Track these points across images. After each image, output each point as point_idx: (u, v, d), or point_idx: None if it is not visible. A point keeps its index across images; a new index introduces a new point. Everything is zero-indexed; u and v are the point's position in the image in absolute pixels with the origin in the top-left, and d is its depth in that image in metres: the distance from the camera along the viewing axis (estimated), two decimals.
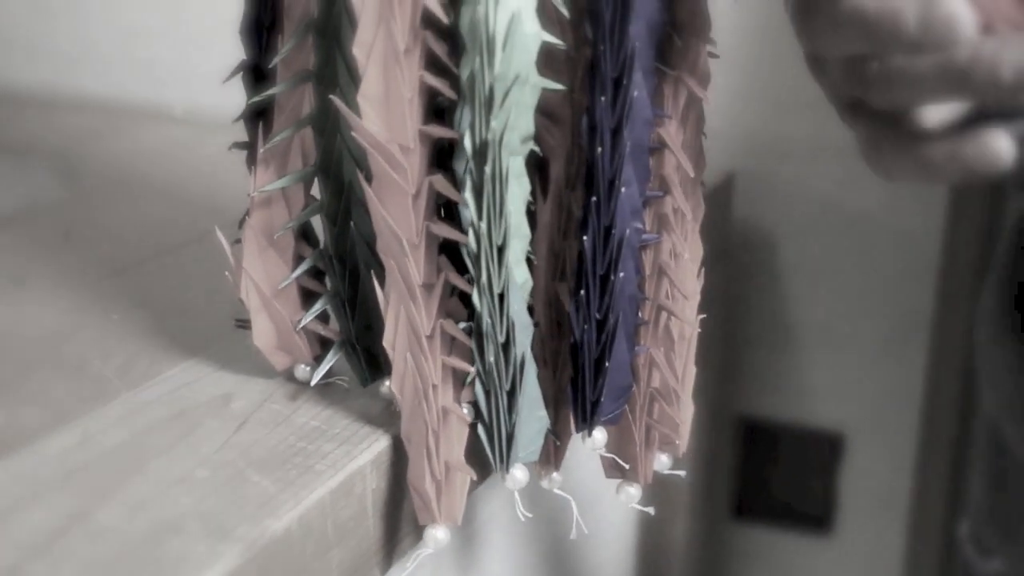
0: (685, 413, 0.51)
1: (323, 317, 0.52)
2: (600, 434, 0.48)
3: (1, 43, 1.14)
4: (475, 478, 0.47)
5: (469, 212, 0.44)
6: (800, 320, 0.99)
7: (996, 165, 0.41)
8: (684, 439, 0.51)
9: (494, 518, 0.64)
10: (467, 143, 0.44)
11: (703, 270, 0.50)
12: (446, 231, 0.46)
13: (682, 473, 0.52)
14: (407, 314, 0.46)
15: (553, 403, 0.49)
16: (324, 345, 0.52)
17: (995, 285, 0.69)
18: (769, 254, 0.98)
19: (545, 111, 0.47)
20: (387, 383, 0.50)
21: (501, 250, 0.45)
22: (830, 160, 0.95)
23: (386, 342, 0.47)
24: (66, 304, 0.60)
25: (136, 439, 0.47)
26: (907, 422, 0.98)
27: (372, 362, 0.51)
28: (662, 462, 0.52)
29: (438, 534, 0.47)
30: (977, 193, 0.92)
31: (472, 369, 0.46)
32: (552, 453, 0.50)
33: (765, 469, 1.03)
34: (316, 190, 0.51)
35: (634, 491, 0.51)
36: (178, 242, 0.70)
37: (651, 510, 0.52)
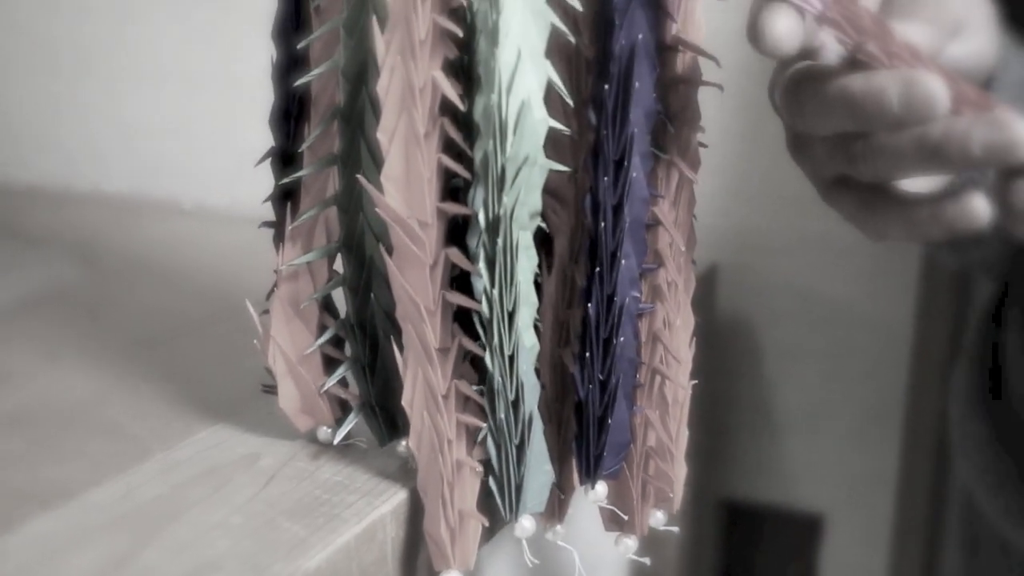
0: (679, 471, 0.54)
1: (343, 383, 0.56)
2: (601, 487, 0.52)
3: (12, 139, 1.18)
4: (487, 524, 0.50)
5: (482, 281, 0.48)
6: (780, 405, 1.03)
7: (976, 223, 0.46)
8: (678, 496, 0.55)
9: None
10: (481, 218, 0.48)
11: (694, 340, 0.54)
12: (460, 299, 0.50)
13: (675, 529, 0.56)
14: (424, 375, 0.50)
15: (558, 460, 0.53)
16: (344, 408, 0.56)
17: (966, 365, 0.73)
18: (751, 342, 1.02)
19: (550, 191, 0.51)
20: (404, 442, 0.54)
21: (512, 315, 0.49)
22: (808, 253, 1.00)
23: (405, 401, 0.50)
24: (97, 375, 0.64)
25: (173, 491, 0.50)
26: (883, 502, 1.01)
27: (389, 423, 0.55)
28: (658, 518, 0.55)
29: None
30: (946, 283, 0.96)
31: (484, 425, 0.50)
32: (556, 506, 0.53)
33: (748, 550, 1.06)
34: (338, 265, 0.55)
35: (631, 543, 0.54)
36: (196, 322, 0.74)
37: (647, 560, 0.55)
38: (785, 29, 0.45)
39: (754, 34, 0.45)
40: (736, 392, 1.04)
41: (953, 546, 0.77)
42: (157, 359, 0.67)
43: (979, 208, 0.46)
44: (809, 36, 0.47)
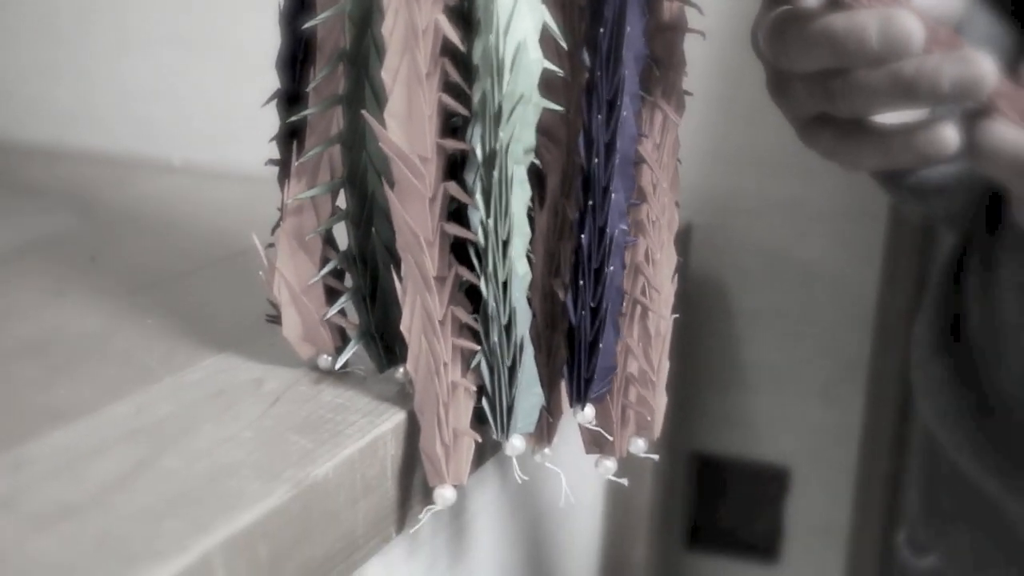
0: (659, 401, 0.57)
1: (343, 312, 0.58)
2: (589, 410, 0.54)
3: (6, 99, 1.20)
4: (479, 440, 0.53)
5: (479, 213, 0.51)
6: (749, 362, 1.06)
7: (946, 150, 0.49)
8: (658, 424, 0.57)
9: (482, 511, 0.70)
10: (478, 152, 0.51)
11: (676, 276, 0.57)
12: (457, 230, 0.52)
13: (655, 457, 0.59)
14: (422, 302, 0.53)
15: (547, 385, 0.55)
16: (344, 337, 0.58)
17: (929, 312, 0.76)
18: (721, 300, 1.05)
19: (543, 130, 0.54)
20: (401, 369, 0.57)
21: (506, 244, 0.51)
22: (776, 214, 1.03)
23: (403, 327, 0.53)
24: (105, 311, 0.66)
25: (185, 410, 0.53)
26: (847, 456, 1.05)
27: (388, 351, 0.58)
28: (638, 445, 0.58)
29: (446, 493, 0.53)
30: (910, 245, 1.00)
31: (478, 349, 0.52)
32: (545, 429, 0.56)
33: (716, 501, 1.09)
34: (341, 201, 0.57)
35: (611, 464, 0.57)
36: (193, 266, 0.76)
37: (625, 481, 0.58)
38: (915, 30, 0.48)
39: (886, 39, 0.48)
40: (706, 349, 1.07)
41: (914, 489, 0.81)
42: (159, 297, 0.69)
43: (948, 135, 0.49)
44: None
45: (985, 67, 0.47)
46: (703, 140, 1.02)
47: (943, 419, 0.72)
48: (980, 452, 0.69)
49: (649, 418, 0.56)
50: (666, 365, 0.57)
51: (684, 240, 0.99)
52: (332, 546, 0.49)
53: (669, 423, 1.03)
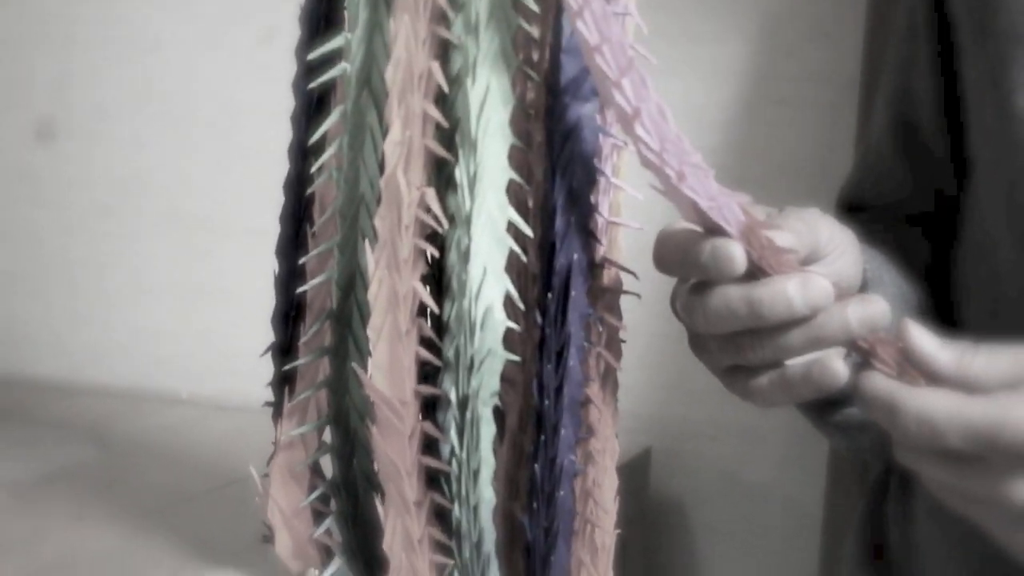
0: None
1: (328, 533, 0.65)
2: None
3: (27, 340, 1.29)
4: None
5: (450, 447, 0.59)
6: (708, 573, 1.12)
7: (836, 381, 0.57)
8: None
9: None
10: (452, 397, 0.59)
11: (618, 498, 0.64)
12: (432, 462, 0.60)
13: None
14: (403, 524, 0.59)
15: None
16: (329, 554, 0.65)
17: (858, 531, 0.83)
18: (680, 518, 1.12)
19: (504, 376, 0.62)
20: None
21: (476, 474, 0.59)
22: (731, 440, 1.10)
23: (385, 546, 0.60)
24: (120, 533, 0.73)
25: None
26: None
27: (367, 566, 0.64)
28: None
29: None
30: (851, 466, 1.07)
31: (451, 563, 0.59)
32: None
33: None
34: (327, 436, 0.65)
35: None
36: (198, 491, 0.83)
37: None
38: (739, 258, 0.56)
39: (715, 260, 0.57)
40: (666, 564, 1.13)
41: None
42: (168, 520, 0.76)
43: (839, 367, 0.57)
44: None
45: (882, 306, 0.56)
46: (661, 375, 1.11)
47: None
48: None
49: None
50: (611, 574, 0.64)
51: (644, 463, 1.06)
52: None
53: None
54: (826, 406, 0.78)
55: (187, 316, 1.24)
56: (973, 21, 0.73)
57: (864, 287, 0.69)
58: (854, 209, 0.85)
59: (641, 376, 1.11)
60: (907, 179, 0.83)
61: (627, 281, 0.63)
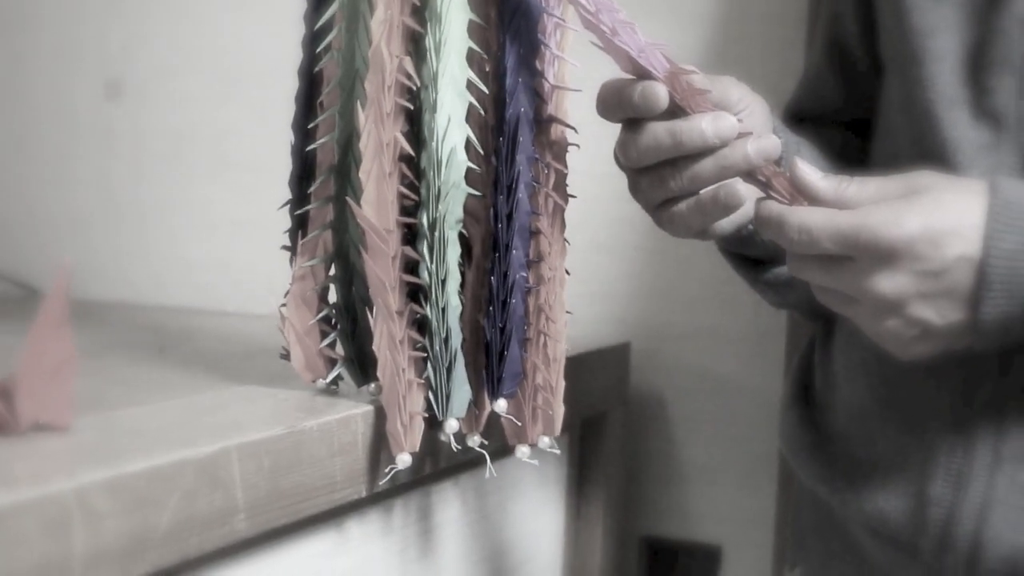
0: (558, 408, 0.75)
1: (332, 346, 0.77)
2: (503, 403, 0.72)
3: (98, 272, 1.42)
4: (426, 415, 0.71)
5: (425, 264, 0.71)
6: (685, 460, 1.23)
7: (737, 200, 0.68)
8: (558, 424, 0.75)
9: (448, 523, 0.86)
10: (424, 221, 0.70)
11: (567, 318, 0.76)
12: (411, 279, 0.72)
13: (557, 451, 0.76)
14: (388, 328, 0.71)
15: (474, 388, 0.73)
16: (332, 364, 0.77)
17: (791, 376, 0.94)
18: (660, 409, 1.23)
19: (470, 211, 0.73)
20: (372, 385, 0.75)
21: (444, 282, 0.71)
22: (700, 338, 1.21)
23: (375, 346, 0.72)
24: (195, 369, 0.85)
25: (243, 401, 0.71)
26: (765, 535, 1.20)
27: (363, 372, 0.76)
28: (544, 442, 0.75)
29: (404, 456, 0.70)
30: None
31: (425, 356, 0.71)
32: (474, 419, 0.74)
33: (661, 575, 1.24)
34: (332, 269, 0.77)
35: (525, 449, 0.74)
36: (237, 354, 0.95)
37: (536, 462, 0.75)
38: (662, 95, 0.68)
39: (643, 98, 0.68)
40: (649, 450, 1.24)
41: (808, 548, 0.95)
42: (214, 365, 0.88)
43: (739, 189, 0.68)
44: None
45: (774, 140, 0.68)
46: (641, 283, 1.22)
47: (796, 453, 0.88)
48: (817, 470, 0.85)
49: (550, 412, 0.74)
50: (562, 384, 0.75)
51: (625, 355, 1.17)
52: (316, 480, 0.66)
53: (621, 512, 1.19)
54: (758, 264, 0.89)
55: (234, 247, 1.37)
56: None
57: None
58: (797, 120, 0.96)
59: (624, 285, 1.23)
60: (838, 89, 0.94)
61: (570, 136, 0.75)
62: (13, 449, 0.56)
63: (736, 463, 1.21)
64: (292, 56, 0.78)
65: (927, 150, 0.77)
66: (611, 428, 1.13)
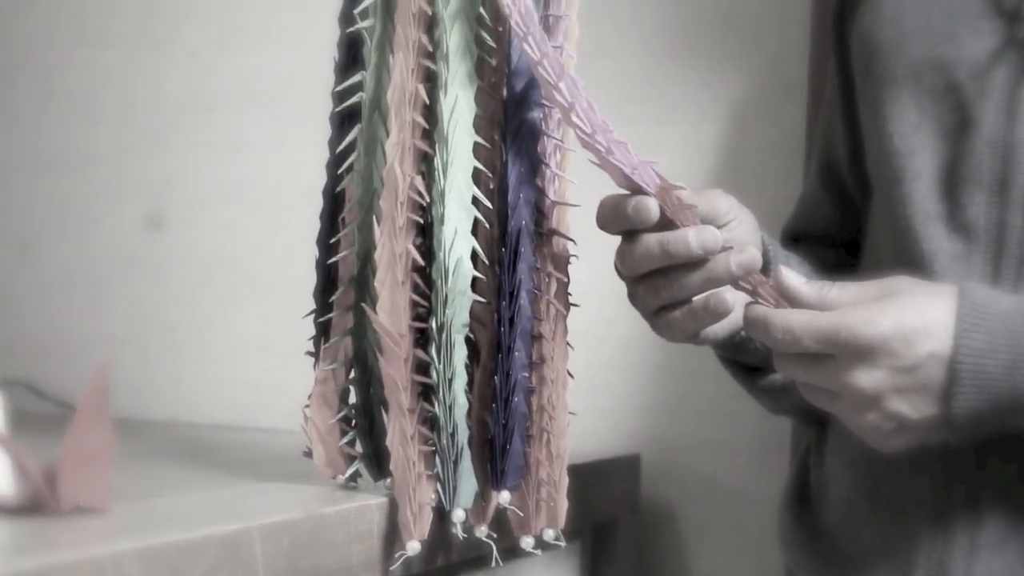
0: (561, 501, 0.79)
1: (351, 445, 0.82)
2: (506, 494, 0.77)
3: (132, 391, 1.48)
4: (435, 506, 0.75)
5: (433, 366, 0.76)
6: (695, 568, 1.26)
7: (726, 308, 0.74)
8: (561, 518, 0.79)
9: None
10: (433, 325, 0.76)
11: (569, 423, 0.81)
12: (422, 379, 0.77)
13: (562, 544, 0.80)
14: (400, 425, 0.76)
15: (481, 482, 0.78)
16: (351, 460, 0.82)
17: (790, 479, 0.98)
18: (670, 519, 1.26)
19: (477, 317, 0.79)
20: (388, 480, 0.80)
21: (451, 382, 0.76)
22: (708, 452, 1.25)
23: (388, 442, 0.77)
24: (223, 471, 0.90)
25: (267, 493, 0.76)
26: None
27: (380, 467, 0.81)
28: (548, 534, 0.80)
29: (414, 544, 0.75)
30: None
31: (434, 450, 0.76)
32: (481, 510, 0.78)
33: None
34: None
35: (529, 540, 0.79)
36: (266, 461, 1.00)
37: (539, 552, 0.79)
38: (653, 208, 0.74)
39: (636, 211, 0.74)
40: (662, 558, 1.27)
41: None
42: (245, 468, 0.93)
43: (727, 297, 0.74)
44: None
45: (754, 253, 0.73)
46: (652, 399, 1.27)
47: (792, 550, 0.92)
48: (811, 565, 0.89)
49: (553, 505, 0.79)
50: (565, 480, 0.80)
51: (635, 467, 1.21)
52: (333, 563, 0.71)
53: None
54: (754, 372, 0.94)
55: (264, 368, 1.43)
56: (861, 67, 0.90)
57: (767, 261, 0.85)
58: (794, 241, 1.01)
59: (635, 401, 1.28)
60: (832, 210, 1.00)
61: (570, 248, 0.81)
62: (56, 525, 0.61)
63: (744, 571, 1.24)
64: (316, 184, 0.85)
65: (908, 261, 0.82)
66: (623, 536, 1.16)
